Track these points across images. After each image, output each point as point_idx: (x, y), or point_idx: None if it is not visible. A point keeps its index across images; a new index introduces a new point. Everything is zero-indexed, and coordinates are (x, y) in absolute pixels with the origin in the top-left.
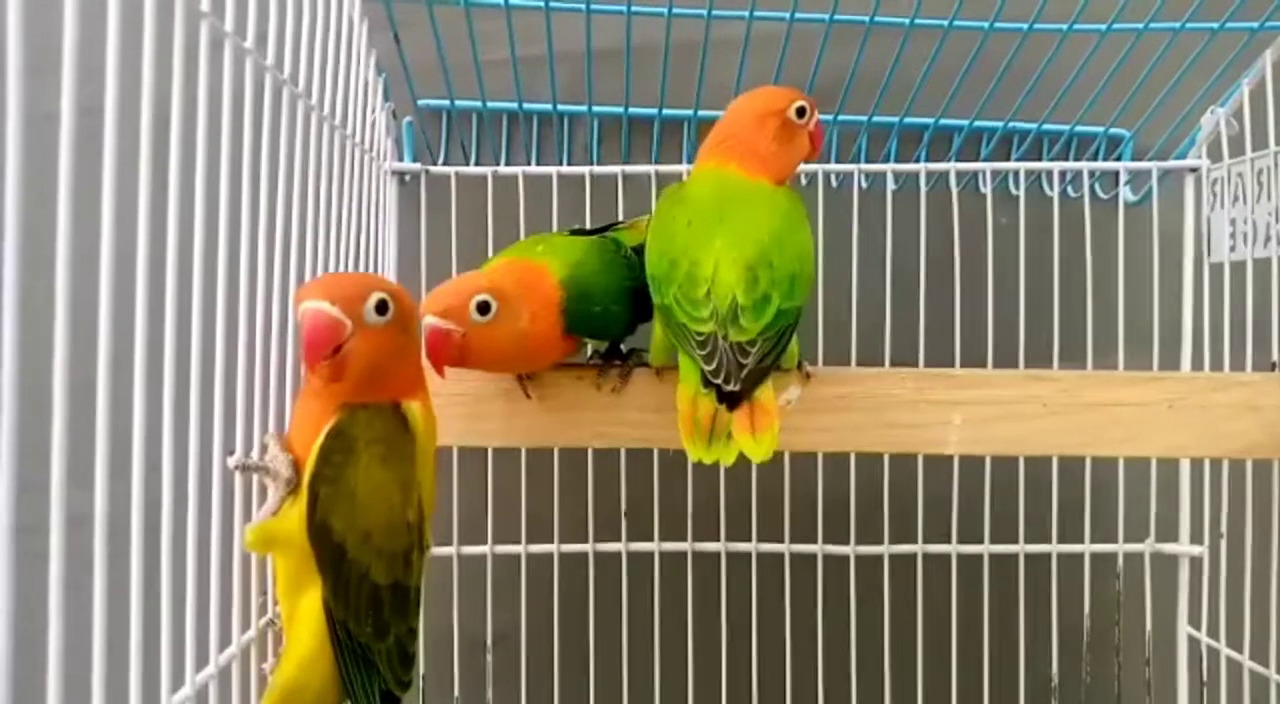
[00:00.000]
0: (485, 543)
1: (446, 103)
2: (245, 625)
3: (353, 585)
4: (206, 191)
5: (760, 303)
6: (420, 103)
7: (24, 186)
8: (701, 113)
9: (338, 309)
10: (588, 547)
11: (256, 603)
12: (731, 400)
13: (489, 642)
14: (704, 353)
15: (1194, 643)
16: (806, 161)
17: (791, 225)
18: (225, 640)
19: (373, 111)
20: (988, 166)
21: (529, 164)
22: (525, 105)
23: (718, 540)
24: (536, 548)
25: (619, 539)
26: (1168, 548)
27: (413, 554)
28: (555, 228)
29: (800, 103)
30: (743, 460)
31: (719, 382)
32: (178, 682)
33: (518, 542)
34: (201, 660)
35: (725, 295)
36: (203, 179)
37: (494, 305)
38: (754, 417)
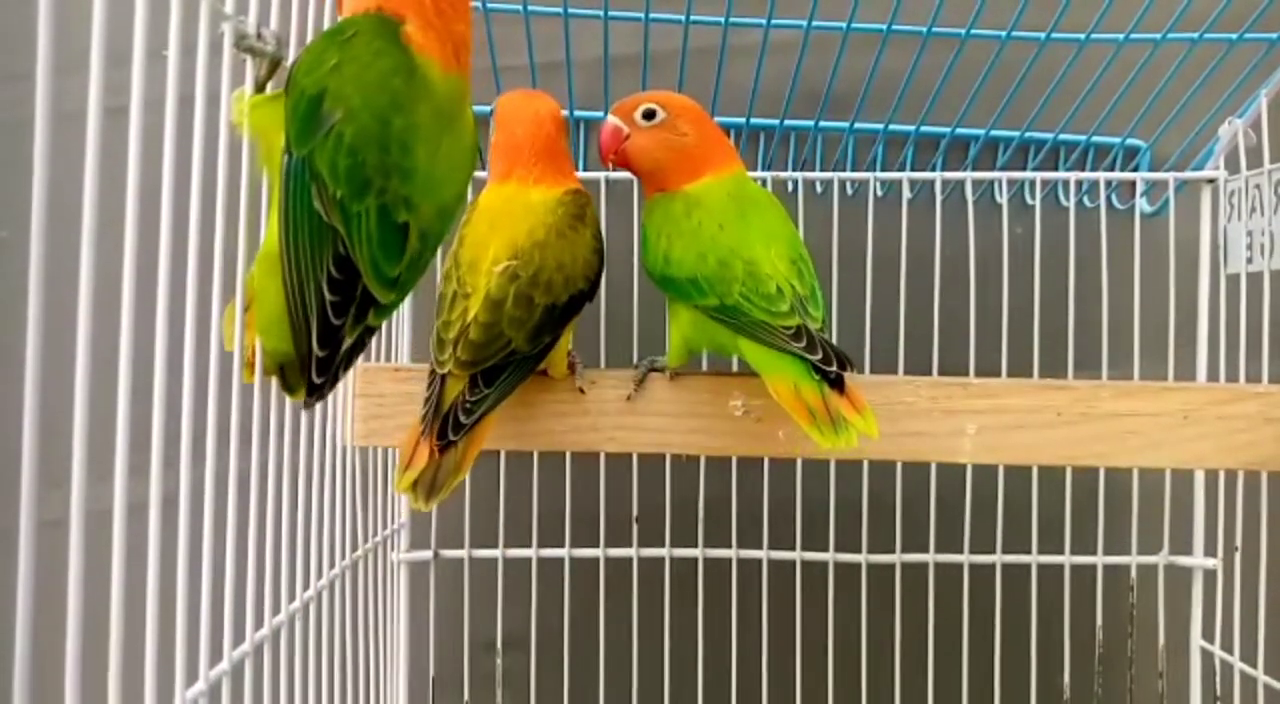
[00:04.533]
0: (497, 546)
1: None
2: (259, 623)
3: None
4: (228, 188)
5: (813, 292)
6: None
7: (47, 187)
8: (718, 119)
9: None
10: (599, 551)
11: (270, 602)
12: (840, 383)
13: (499, 645)
14: (803, 344)
15: (1208, 656)
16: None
17: (791, 221)
18: (239, 638)
19: None
20: (1004, 175)
21: None
22: None
23: (729, 547)
24: (548, 552)
25: (630, 544)
26: (1181, 560)
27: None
28: None
29: None
30: (754, 467)
31: (830, 368)
32: (192, 677)
33: (529, 546)
34: (215, 657)
35: (788, 289)
36: (224, 183)
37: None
38: (851, 397)
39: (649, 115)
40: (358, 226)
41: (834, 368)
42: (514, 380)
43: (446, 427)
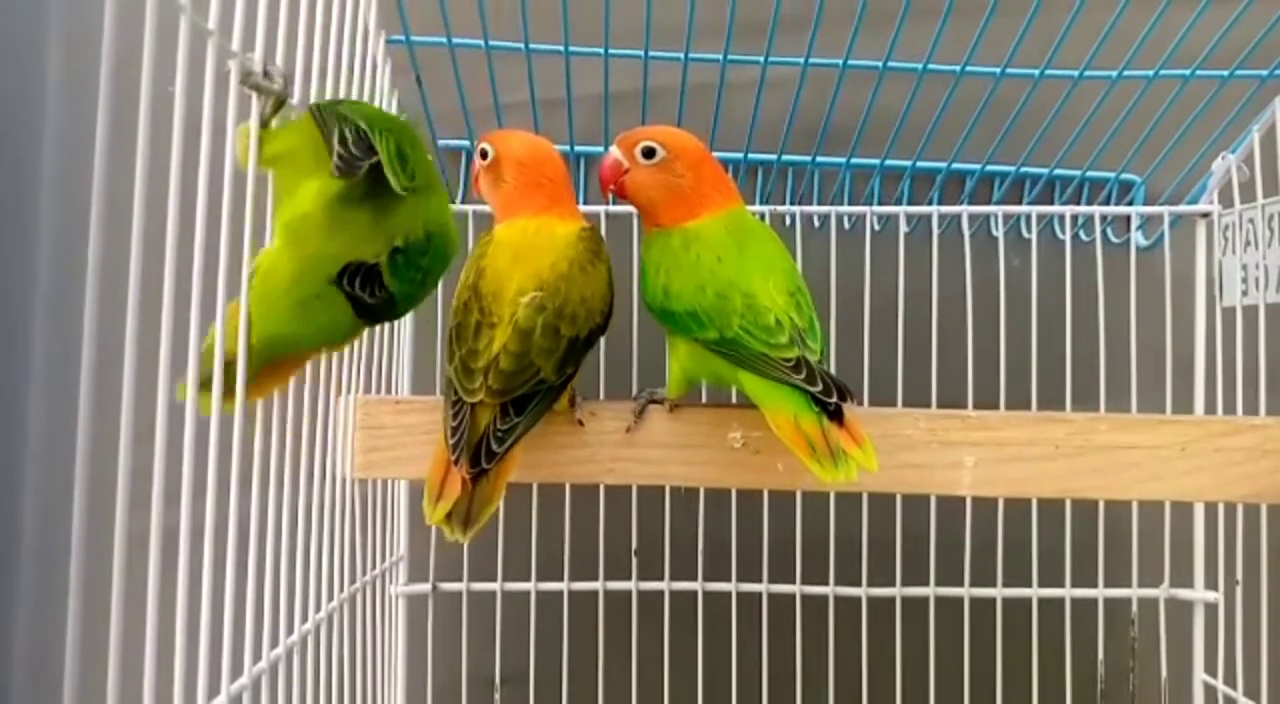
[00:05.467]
0: (495, 580)
1: (466, 143)
2: (257, 656)
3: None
4: (232, 224)
5: (811, 325)
6: (440, 143)
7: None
8: (716, 154)
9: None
10: (598, 585)
11: (268, 635)
12: (839, 415)
13: (497, 680)
14: (803, 376)
15: (1210, 691)
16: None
17: (789, 253)
18: (237, 671)
19: None
20: (1000, 210)
21: None
22: None
23: (729, 580)
24: (546, 586)
25: (629, 578)
26: (1182, 593)
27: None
28: None
29: None
30: (753, 499)
31: (830, 399)
32: (214, 689)
33: (528, 579)
34: (213, 690)
35: (787, 321)
36: (229, 212)
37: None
38: (851, 430)
39: (648, 153)
40: (381, 136)
41: (834, 399)
42: (542, 409)
43: (479, 455)
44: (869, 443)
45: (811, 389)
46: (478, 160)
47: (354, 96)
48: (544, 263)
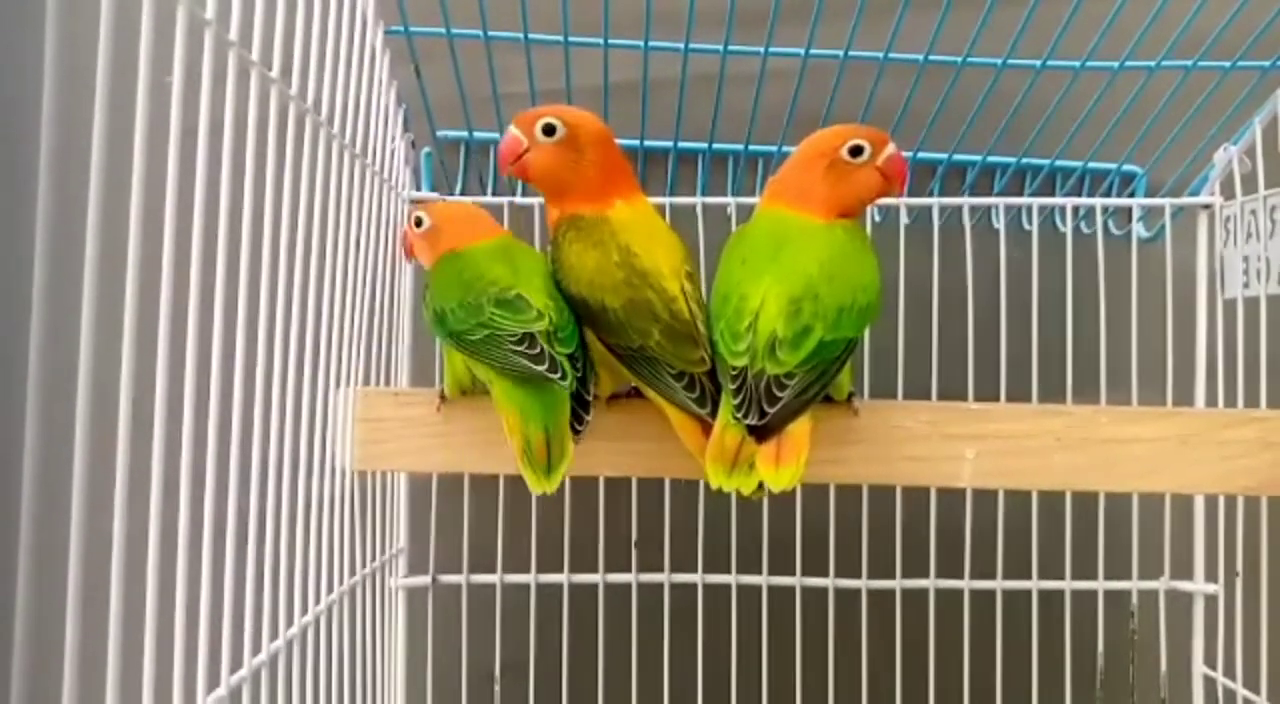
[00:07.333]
0: (495, 572)
1: (465, 134)
2: (257, 649)
3: (597, 314)
4: (230, 215)
5: (800, 335)
6: (439, 134)
7: (52, 205)
8: (716, 146)
9: (519, 131)
10: (598, 577)
11: (268, 627)
12: (758, 434)
13: (497, 672)
14: (733, 387)
15: (1210, 683)
16: (887, 196)
17: (846, 258)
18: (237, 663)
19: (392, 141)
20: (1001, 201)
21: None
22: None
23: (728, 572)
24: (546, 578)
25: (629, 570)
26: (1182, 586)
27: (644, 294)
28: None
29: (855, 142)
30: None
31: (740, 416)
32: (213, 682)
33: (528, 571)
34: (213, 682)
35: (766, 328)
36: (227, 203)
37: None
38: (782, 448)
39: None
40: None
41: (743, 416)
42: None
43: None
44: (794, 467)
45: (733, 401)
46: (537, 137)
47: (352, 87)
48: (677, 252)
